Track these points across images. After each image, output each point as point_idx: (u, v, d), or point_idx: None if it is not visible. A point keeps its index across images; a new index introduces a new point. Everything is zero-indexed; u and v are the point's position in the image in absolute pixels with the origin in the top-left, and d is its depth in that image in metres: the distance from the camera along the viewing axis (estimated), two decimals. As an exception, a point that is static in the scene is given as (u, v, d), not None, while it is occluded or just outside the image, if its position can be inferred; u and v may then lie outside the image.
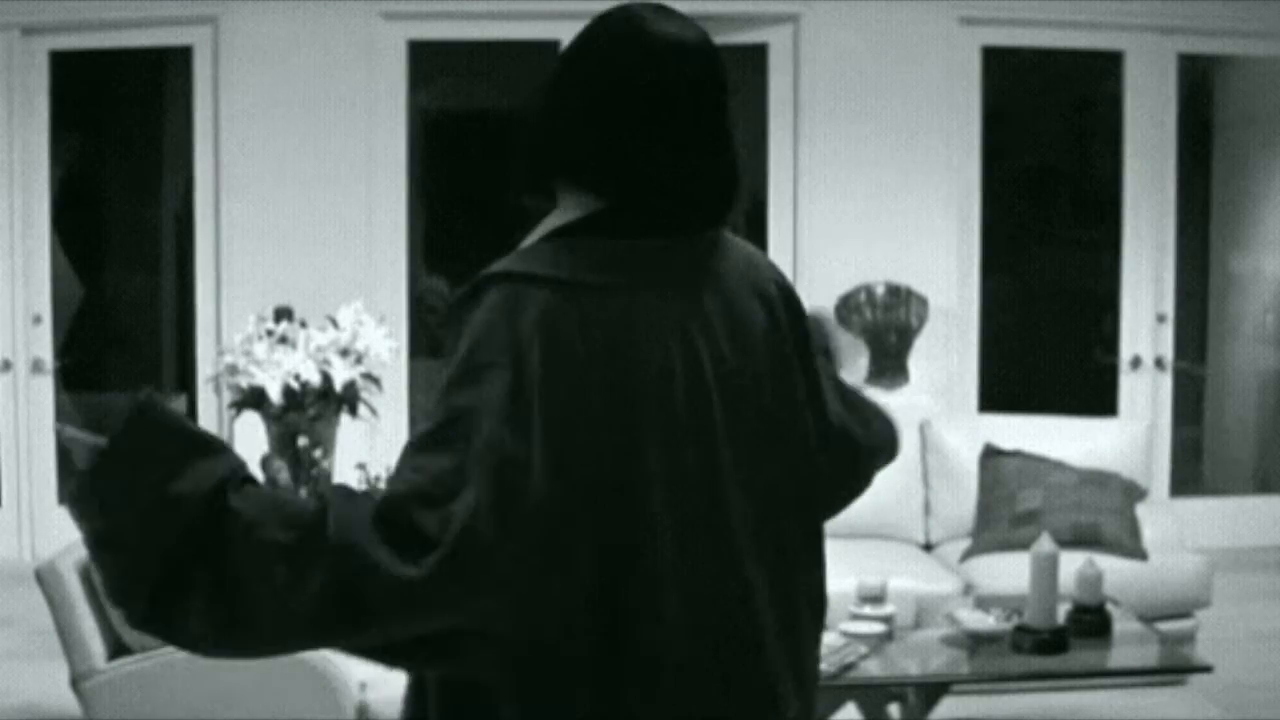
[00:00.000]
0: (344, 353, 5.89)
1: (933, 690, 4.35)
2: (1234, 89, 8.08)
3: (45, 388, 7.14)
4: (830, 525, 6.34)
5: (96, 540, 1.72)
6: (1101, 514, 5.58)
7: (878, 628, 4.30)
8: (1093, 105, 8.23)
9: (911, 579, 5.26)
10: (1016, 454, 5.87)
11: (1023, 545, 4.89)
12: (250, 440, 6.25)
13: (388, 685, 4.15)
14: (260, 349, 5.87)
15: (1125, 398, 7.39)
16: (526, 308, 1.75)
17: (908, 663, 4.29)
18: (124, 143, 8.52)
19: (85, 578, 4.14)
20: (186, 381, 7.49)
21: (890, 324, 6.90)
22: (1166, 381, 7.44)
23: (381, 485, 5.32)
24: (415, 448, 1.72)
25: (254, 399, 5.86)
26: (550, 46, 6.56)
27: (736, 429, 1.85)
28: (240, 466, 1.74)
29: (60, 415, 7.26)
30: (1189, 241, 7.73)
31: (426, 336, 7.52)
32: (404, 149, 7.08)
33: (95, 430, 1.76)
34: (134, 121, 8.39)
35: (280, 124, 6.90)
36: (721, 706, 1.81)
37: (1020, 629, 4.25)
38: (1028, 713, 4.99)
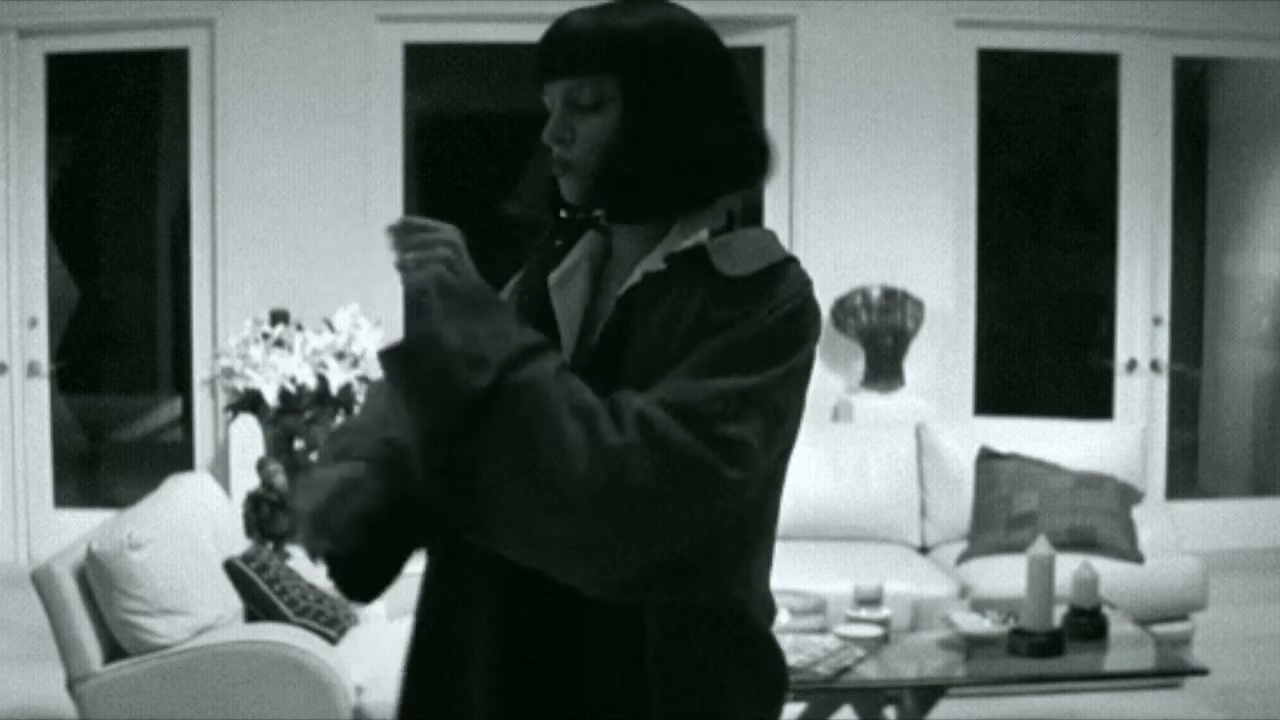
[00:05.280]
0: (340, 355, 5.89)
1: (929, 693, 4.35)
2: (1229, 91, 8.09)
3: (41, 391, 7.14)
4: (826, 528, 6.35)
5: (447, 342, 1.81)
6: (1097, 517, 5.58)
7: (874, 631, 4.30)
8: (1088, 108, 8.23)
9: (907, 582, 5.26)
10: (1012, 457, 5.88)
11: (1019, 548, 4.90)
12: (246, 443, 6.25)
13: (383, 689, 4.15)
14: (256, 352, 5.87)
15: (1121, 400, 7.40)
16: (813, 289, 1.95)
17: (904, 666, 4.29)
18: (120, 145, 8.52)
19: (81, 580, 4.14)
20: (183, 385, 7.49)
21: (886, 327, 6.90)
22: (1162, 384, 7.45)
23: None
24: (755, 390, 1.84)
25: (250, 402, 5.86)
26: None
27: None
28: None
29: (56, 418, 7.26)
30: (1184, 244, 7.74)
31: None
32: (400, 151, 7.08)
33: None
34: (130, 124, 8.39)
35: (276, 126, 6.91)
36: None
37: (1016, 632, 4.25)
38: (1024, 715, 5.00)
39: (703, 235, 1.93)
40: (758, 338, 1.85)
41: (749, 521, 1.93)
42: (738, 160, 1.96)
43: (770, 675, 2.01)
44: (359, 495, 1.91)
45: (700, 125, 1.92)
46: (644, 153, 1.92)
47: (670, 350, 1.86)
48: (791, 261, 1.94)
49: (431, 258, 1.84)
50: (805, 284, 1.92)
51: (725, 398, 1.82)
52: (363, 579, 2.00)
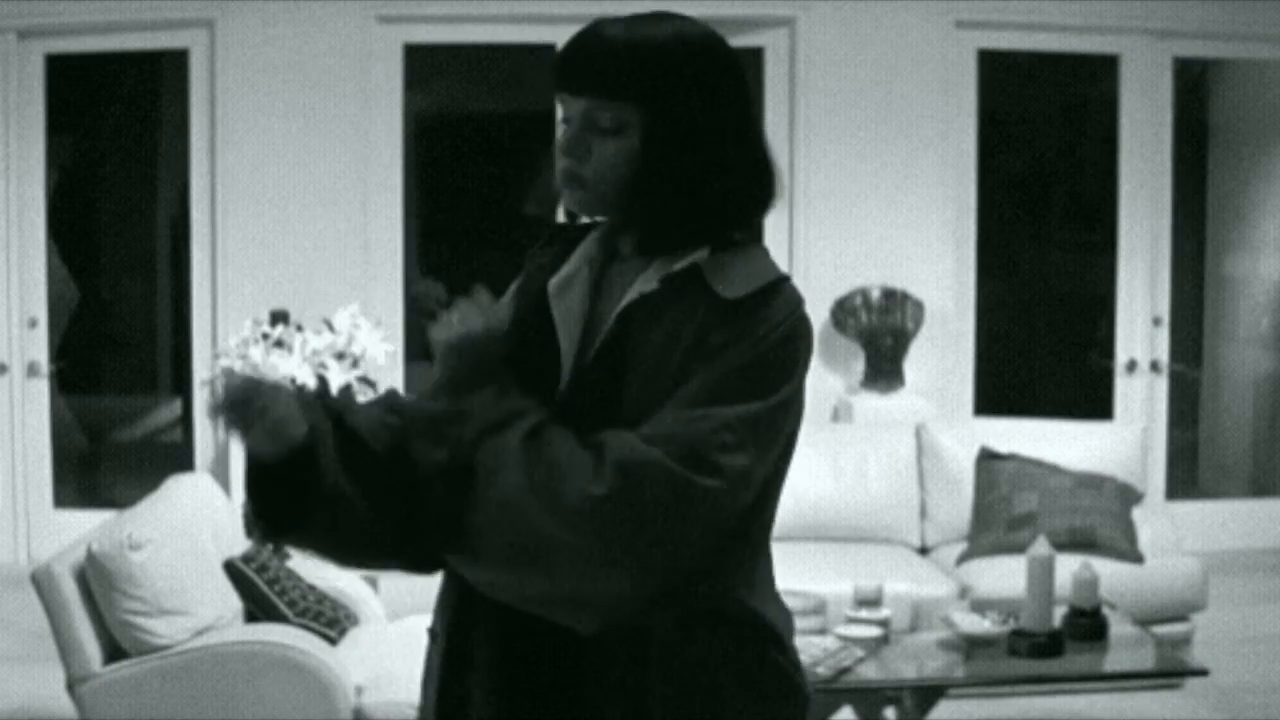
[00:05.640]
0: (340, 356, 5.89)
1: (928, 694, 4.35)
2: (1229, 92, 8.09)
3: (41, 391, 7.14)
4: (826, 528, 6.33)
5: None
6: (1097, 517, 5.58)
7: (874, 631, 4.30)
8: (1088, 108, 8.23)
9: (907, 582, 5.26)
10: (1012, 457, 5.87)
11: (1018, 548, 4.90)
12: (246, 444, 6.25)
13: (383, 689, 4.15)
14: (256, 352, 5.87)
15: (1121, 401, 7.39)
16: (805, 308, 1.96)
17: (904, 666, 4.29)
18: (120, 146, 8.52)
19: (81, 581, 4.14)
20: (182, 385, 7.49)
21: (886, 328, 6.90)
22: (1162, 384, 7.45)
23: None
24: (749, 419, 1.86)
25: (250, 402, 5.85)
26: (546, 50, 6.56)
27: None
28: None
29: (56, 419, 7.27)
30: (1184, 244, 7.74)
31: (422, 339, 7.52)
32: (399, 152, 7.08)
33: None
34: (130, 125, 8.39)
35: (276, 127, 6.91)
36: None
37: (1016, 632, 4.25)
38: (1023, 716, 5.00)
39: (702, 253, 1.94)
40: (753, 364, 1.87)
41: (749, 526, 1.93)
42: (752, 193, 1.98)
43: (777, 674, 2.00)
44: (317, 413, 1.92)
45: (718, 160, 1.93)
46: (659, 183, 1.93)
47: (668, 377, 1.88)
48: (785, 281, 1.95)
49: (454, 330, 1.92)
50: (798, 304, 1.94)
51: (720, 429, 1.84)
52: (279, 505, 1.95)
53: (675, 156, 1.91)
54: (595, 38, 1.92)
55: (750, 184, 1.97)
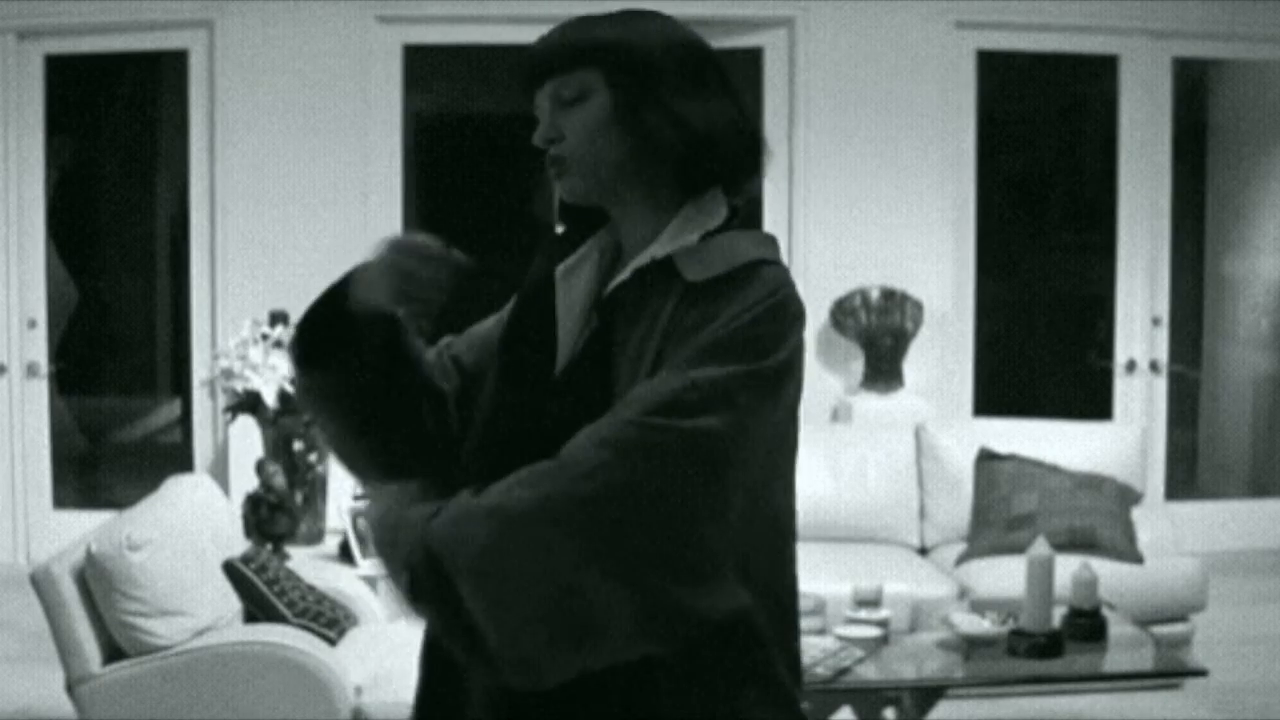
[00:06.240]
0: (339, 356, 5.88)
1: (928, 694, 4.35)
2: (1228, 92, 8.09)
3: (40, 392, 7.14)
4: (825, 529, 6.35)
5: None
6: (1097, 517, 5.58)
7: (873, 631, 4.30)
8: (1087, 109, 8.23)
9: (907, 583, 5.26)
10: (1011, 458, 5.88)
11: (1018, 549, 4.90)
12: (245, 444, 6.25)
13: (383, 689, 4.16)
14: (255, 353, 5.87)
15: (1120, 401, 7.40)
16: (794, 289, 1.93)
17: (903, 667, 4.28)
18: (119, 147, 8.52)
19: (80, 582, 4.14)
20: (182, 386, 7.49)
21: (885, 328, 6.90)
22: (1161, 385, 7.45)
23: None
24: (733, 382, 1.84)
25: (249, 403, 5.86)
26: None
27: None
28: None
29: (55, 420, 7.26)
30: (1183, 245, 7.74)
31: (421, 339, 7.52)
32: (399, 153, 7.08)
33: None
34: (129, 126, 8.39)
35: (275, 127, 6.91)
36: None
37: (1015, 633, 4.25)
38: (1023, 716, 5.00)
39: (692, 239, 1.93)
40: (725, 340, 1.84)
41: (752, 518, 1.93)
42: (729, 145, 1.95)
43: (775, 679, 1.98)
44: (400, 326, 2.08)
45: (688, 108, 1.93)
46: (635, 134, 1.93)
47: (650, 363, 1.88)
48: (766, 263, 1.92)
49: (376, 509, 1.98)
50: (779, 284, 1.90)
51: (688, 388, 1.81)
52: (321, 341, 2.05)
53: (639, 102, 1.92)
54: (541, 36, 2.02)
55: (724, 135, 1.95)
